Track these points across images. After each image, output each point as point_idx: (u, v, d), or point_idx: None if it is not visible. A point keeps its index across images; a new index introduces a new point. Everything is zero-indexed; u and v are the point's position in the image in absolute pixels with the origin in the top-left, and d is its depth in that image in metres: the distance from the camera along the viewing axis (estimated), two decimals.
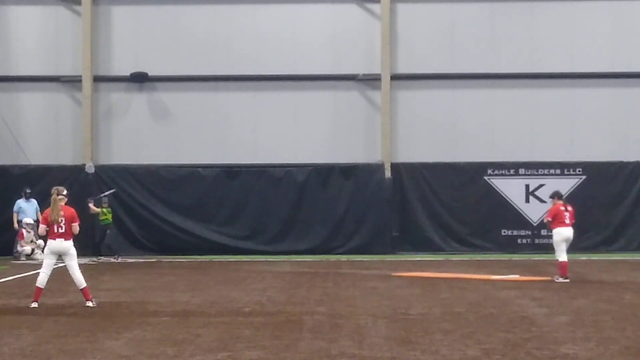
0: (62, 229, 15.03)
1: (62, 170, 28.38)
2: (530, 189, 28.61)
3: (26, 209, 27.11)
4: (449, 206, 28.66)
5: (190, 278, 20.96)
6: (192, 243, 28.34)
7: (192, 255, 27.63)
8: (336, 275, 21.51)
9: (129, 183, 28.70)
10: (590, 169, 28.61)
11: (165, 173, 28.77)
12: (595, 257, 27.08)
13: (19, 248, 26.90)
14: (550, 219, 20.21)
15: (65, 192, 15.58)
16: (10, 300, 16.31)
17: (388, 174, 28.45)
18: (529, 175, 28.67)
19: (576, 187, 28.56)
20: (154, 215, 28.53)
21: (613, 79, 28.88)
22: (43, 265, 15.27)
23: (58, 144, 29.05)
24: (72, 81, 29.04)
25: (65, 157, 28.92)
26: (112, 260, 26.64)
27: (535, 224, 28.46)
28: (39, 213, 25.54)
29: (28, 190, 27.17)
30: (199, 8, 29.20)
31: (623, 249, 28.28)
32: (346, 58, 28.90)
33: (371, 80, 28.85)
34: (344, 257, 27.26)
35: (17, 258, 26.80)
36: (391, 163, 28.55)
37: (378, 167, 28.52)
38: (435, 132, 28.88)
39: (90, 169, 28.33)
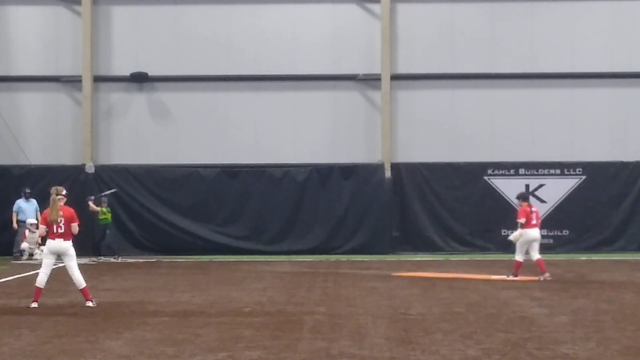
0: (61, 229, 15.03)
1: (62, 170, 28.39)
2: (530, 189, 28.61)
3: (26, 209, 27.11)
4: (449, 206, 28.66)
5: (190, 278, 20.96)
6: (192, 243, 28.35)
7: (192, 255, 27.63)
8: (336, 275, 21.51)
9: (129, 183, 28.70)
10: (590, 169, 28.61)
11: (165, 173, 28.77)
12: (595, 257, 27.10)
13: (22, 246, 26.89)
14: (523, 219, 20.26)
15: (64, 192, 15.58)
16: (10, 300, 16.30)
17: (388, 174, 28.46)
18: (529, 175, 28.67)
19: (576, 187, 28.58)
20: (154, 215, 28.53)
21: (613, 79, 28.89)
22: (42, 265, 15.26)
23: (58, 144, 29.06)
24: (72, 81, 29.04)
25: (65, 157, 28.93)
26: (112, 260, 26.64)
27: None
28: (39, 213, 25.55)
29: (28, 191, 27.17)
30: (199, 8, 29.21)
31: (623, 249, 28.28)
32: (346, 58, 28.91)
33: (371, 80, 28.85)
34: (344, 257, 27.26)
35: (17, 258, 26.80)
36: (391, 163, 28.55)
37: (378, 167, 28.52)
38: (435, 132, 28.89)
39: (90, 169, 28.33)
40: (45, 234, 15.23)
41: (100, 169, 28.59)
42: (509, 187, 28.50)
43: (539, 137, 28.86)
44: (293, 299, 16.18)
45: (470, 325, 12.73)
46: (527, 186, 28.57)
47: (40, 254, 26.81)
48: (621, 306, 15.04)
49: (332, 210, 28.50)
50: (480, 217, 28.46)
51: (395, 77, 28.74)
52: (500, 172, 28.67)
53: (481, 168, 28.66)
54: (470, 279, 20.18)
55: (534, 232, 20.22)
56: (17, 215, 27.14)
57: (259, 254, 27.82)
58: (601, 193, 28.53)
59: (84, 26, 28.73)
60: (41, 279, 15.13)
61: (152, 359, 10.39)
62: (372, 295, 16.83)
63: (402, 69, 28.88)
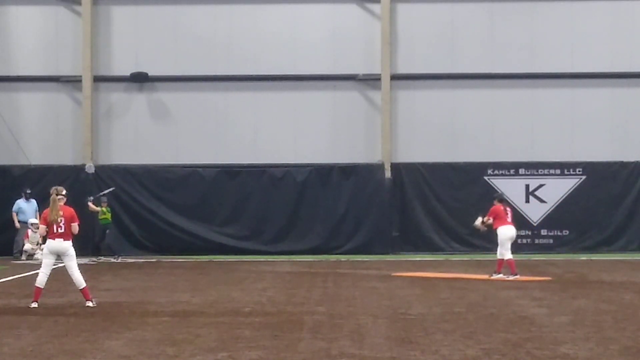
0: (61, 229, 15.02)
1: (62, 170, 28.38)
2: (530, 189, 28.62)
3: (26, 210, 27.10)
4: (449, 206, 28.65)
5: (190, 278, 20.96)
6: (192, 243, 28.34)
7: (192, 255, 27.62)
8: (336, 275, 21.51)
9: (129, 183, 28.70)
10: (590, 169, 28.61)
11: (165, 173, 28.77)
12: (595, 257, 27.10)
13: (26, 247, 26.89)
14: (490, 218, 20.62)
15: (64, 192, 15.58)
16: (10, 300, 16.30)
17: (388, 174, 28.45)
18: (529, 175, 28.67)
19: (576, 187, 28.58)
20: (154, 215, 28.53)
21: (613, 79, 28.88)
22: (42, 265, 15.26)
23: (58, 144, 29.05)
24: (72, 81, 29.04)
25: (65, 157, 28.92)
26: (112, 260, 26.63)
27: (535, 224, 28.48)
28: (38, 213, 25.55)
29: (28, 191, 27.15)
30: (199, 8, 29.20)
31: (623, 249, 28.28)
32: (346, 58, 28.90)
33: (371, 80, 28.85)
34: (344, 257, 27.26)
35: (17, 258, 26.81)
36: (391, 163, 28.55)
37: (378, 167, 28.51)
38: (435, 132, 28.88)
39: (90, 169, 28.32)
40: (45, 233, 15.23)
41: (100, 169, 28.59)
42: (509, 187, 28.48)
43: (539, 137, 28.86)
44: (293, 299, 16.18)
45: (470, 325, 12.73)
46: (527, 186, 28.59)
47: (40, 254, 26.87)
48: (621, 306, 15.04)
49: (332, 210, 28.49)
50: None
51: (395, 77, 28.73)
52: (500, 172, 28.66)
53: (481, 168, 28.65)
54: (470, 279, 20.19)
55: (511, 230, 20.62)
56: (17, 215, 27.14)
57: (259, 254, 27.81)
58: (601, 193, 28.52)
59: (84, 26, 28.72)
60: (41, 279, 15.14)
61: (152, 359, 10.39)
62: (372, 295, 16.83)
63: (402, 69, 28.88)
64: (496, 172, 28.67)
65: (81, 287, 15.23)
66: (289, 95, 29.09)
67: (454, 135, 28.89)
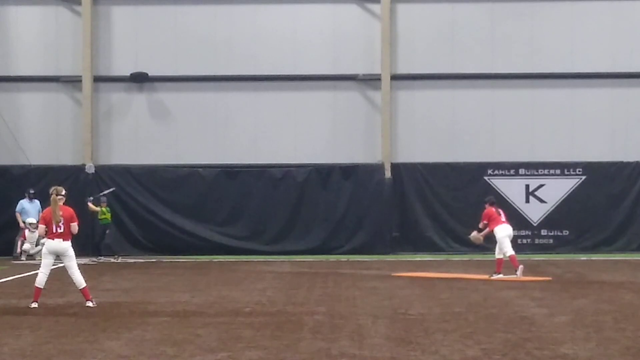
0: (60, 229, 15.02)
1: (62, 170, 28.39)
2: (530, 189, 28.62)
3: (29, 210, 27.04)
4: (449, 206, 28.66)
5: (190, 278, 20.96)
6: (192, 243, 28.34)
7: (192, 255, 27.63)
8: (336, 275, 21.51)
9: (129, 183, 28.70)
10: (590, 169, 28.61)
11: (165, 173, 28.77)
12: (595, 257, 27.10)
13: (25, 247, 26.90)
14: (485, 222, 20.77)
15: (63, 192, 15.58)
16: (10, 300, 16.30)
17: (388, 174, 28.45)
18: (529, 175, 28.67)
19: (576, 187, 28.58)
20: (154, 215, 28.53)
21: (613, 79, 28.88)
22: (41, 265, 15.26)
23: (58, 144, 29.05)
24: (72, 81, 29.04)
25: (65, 157, 28.92)
26: (112, 260, 26.64)
27: (535, 224, 28.48)
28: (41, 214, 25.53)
29: (32, 191, 27.09)
30: (199, 8, 29.20)
31: (623, 249, 28.28)
32: (346, 58, 28.91)
33: (371, 80, 28.85)
34: (344, 257, 27.26)
35: (17, 258, 26.82)
36: (391, 163, 28.55)
37: (378, 167, 28.52)
38: (435, 132, 28.89)
39: (90, 169, 28.32)
40: (44, 233, 15.22)
41: (100, 169, 28.59)
42: (509, 187, 28.51)
43: (539, 137, 28.86)
44: (293, 299, 16.18)
45: (470, 325, 12.73)
46: (527, 186, 28.59)
47: (40, 252, 26.89)
48: (621, 306, 15.04)
49: (332, 210, 28.49)
50: (480, 217, 28.36)
51: (395, 77, 28.73)
52: (500, 172, 28.66)
53: (481, 168, 28.65)
54: (470, 279, 20.18)
55: (508, 228, 20.64)
56: (21, 215, 27.08)
57: (259, 254, 27.82)
58: (601, 193, 28.53)
59: (84, 26, 28.72)
60: (40, 279, 15.14)
61: (152, 359, 10.39)
62: (372, 295, 16.83)
63: (402, 69, 28.88)
64: (496, 172, 28.67)
65: (81, 287, 15.24)
66: (289, 95, 29.09)
67: (454, 135, 28.89)
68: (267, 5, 29.14)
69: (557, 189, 28.60)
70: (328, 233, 28.45)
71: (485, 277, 20.46)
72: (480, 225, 21.02)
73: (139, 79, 28.94)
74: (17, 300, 16.32)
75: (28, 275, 21.39)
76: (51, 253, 15.17)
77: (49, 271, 15.24)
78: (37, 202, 26.97)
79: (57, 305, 15.41)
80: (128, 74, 28.93)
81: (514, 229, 28.67)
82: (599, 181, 28.53)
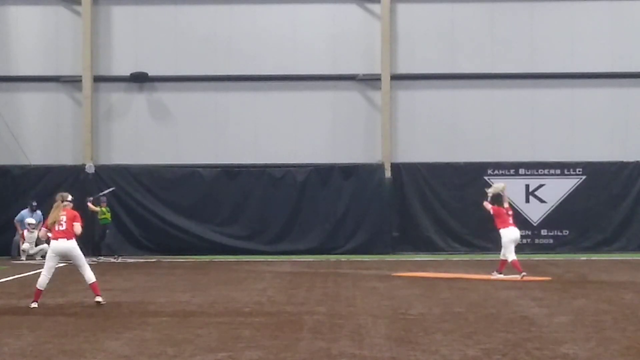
0: (62, 227, 14.93)
1: (62, 170, 28.41)
2: (530, 189, 28.62)
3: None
4: (449, 206, 28.66)
5: (190, 278, 20.96)
6: (192, 243, 28.35)
7: (192, 255, 27.63)
8: (336, 275, 21.51)
9: (129, 183, 28.70)
10: (590, 169, 28.62)
11: (165, 173, 28.77)
12: (595, 257, 27.10)
13: (24, 247, 26.92)
14: (492, 212, 20.52)
15: (69, 197, 15.49)
16: (10, 300, 16.30)
17: (388, 174, 28.46)
18: (529, 175, 28.68)
19: (576, 187, 28.58)
20: (154, 215, 28.54)
21: (613, 79, 28.90)
22: (44, 267, 15.18)
23: (58, 144, 29.05)
24: (72, 81, 29.05)
25: (65, 157, 28.93)
26: (112, 260, 26.64)
27: (535, 224, 28.48)
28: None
29: (34, 203, 27.04)
30: (199, 8, 29.21)
31: (623, 249, 28.29)
32: (346, 58, 28.91)
33: (371, 80, 28.86)
34: (344, 257, 27.26)
35: (17, 258, 26.83)
36: (391, 163, 28.56)
37: (378, 167, 28.52)
38: (435, 132, 28.89)
39: (90, 169, 28.32)
40: (47, 237, 15.12)
41: (100, 169, 28.59)
42: (509, 187, 28.37)
43: (539, 137, 28.86)
44: (293, 299, 16.17)
45: (470, 325, 12.73)
46: (527, 186, 28.60)
47: (40, 252, 26.94)
48: (621, 306, 15.03)
49: (332, 210, 28.50)
50: (480, 217, 28.35)
51: (395, 77, 28.74)
52: (500, 172, 28.66)
53: (481, 168, 28.66)
54: (470, 279, 20.18)
55: (515, 232, 20.52)
56: (20, 225, 27.05)
57: (259, 254, 27.82)
58: (601, 193, 28.53)
59: (84, 26, 28.73)
60: (42, 281, 15.09)
61: (152, 359, 10.38)
62: (372, 295, 16.83)
63: (402, 69, 28.89)
64: (496, 172, 28.66)
65: (91, 282, 15.13)
66: (289, 95, 29.10)
67: (454, 135, 28.90)
68: (267, 5, 29.15)
69: (557, 189, 28.61)
70: (328, 233, 28.45)
71: (486, 277, 20.45)
72: (487, 207, 20.65)
73: (139, 79, 28.95)
74: (17, 300, 16.32)
75: (28, 275, 21.39)
76: (56, 255, 15.05)
77: (51, 273, 15.16)
78: (39, 213, 26.82)
79: (57, 305, 15.40)
80: (128, 74, 28.94)
81: None
82: (599, 181, 28.54)
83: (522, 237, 28.16)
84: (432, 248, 28.37)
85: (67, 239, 14.93)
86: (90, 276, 15.12)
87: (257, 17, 29.11)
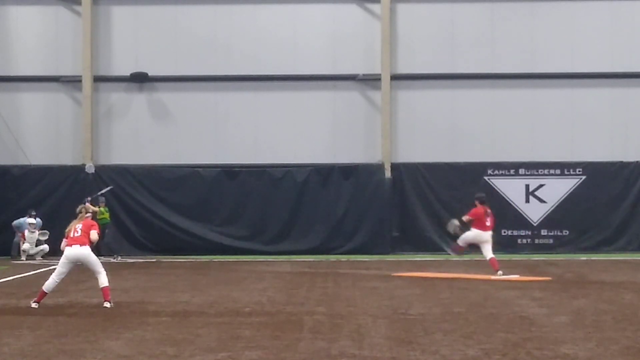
0: (77, 233, 14.80)
1: (62, 170, 28.42)
2: (530, 189, 28.62)
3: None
4: (449, 206, 28.60)
5: (190, 278, 20.96)
6: (192, 243, 28.35)
7: (192, 255, 27.63)
8: (336, 275, 21.51)
9: (129, 183, 28.71)
10: (590, 169, 28.62)
11: (165, 173, 28.78)
12: (595, 257, 27.10)
13: (24, 247, 26.93)
14: (470, 218, 20.64)
15: (91, 209, 15.30)
16: (10, 300, 16.29)
17: (388, 174, 28.46)
18: (529, 175, 28.68)
19: (576, 187, 28.59)
20: (154, 215, 28.54)
21: (613, 79, 28.91)
22: (55, 272, 14.88)
23: (58, 144, 29.06)
24: (72, 81, 29.05)
25: (65, 157, 28.93)
26: (112, 260, 26.63)
27: (535, 224, 28.49)
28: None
29: (33, 212, 27.05)
30: (199, 8, 29.21)
31: (623, 249, 28.29)
32: (346, 58, 28.91)
33: (371, 80, 28.86)
34: (344, 257, 27.26)
35: (17, 258, 26.84)
36: (391, 163, 28.56)
37: (378, 167, 28.52)
38: (435, 132, 28.89)
39: (90, 169, 28.32)
40: (64, 247, 14.95)
41: (100, 169, 28.59)
42: (509, 187, 28.52)
43: (539, 137, 28.87)
44: (293, 299, 16.17)
45: (470, 325, 12.73)
46: (527, 186, 28.60)
47: (40, 253, 26.96)
48: (621, 306, 15.03)
49: (332, 210, 28.50)
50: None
51: (395, 77, 28.75)
52: (500, 172, 28.67)
53: (481, 168, 28.66)
54: (470, 279, 20.18)
55: (485, 235, 20.60)
56: (18, 230, 27.06)
57: (259, 254, 27.83)
58: (601, 193, 28.54)
59: (84, 26, 28.73)
60: (49, 284, 14.89)
61: (152, 359, 10.38)
62: (372, 295, 16.83)
63: (402, 69, 28.89)
64: (496, 172, 28.67)
65: (102, 286, 15.01)
66: (289, 95, 29.10)
67: (454, 135, 28.90)
68: (267, 5, 29.15)
69: (557, 189, 28.61)
70: (328, 233, 28.46)
71: (486, 277, 20.45)
72: (464, 219, 20.94)
73: (139, 79, 28.95)
74: (17, 300, 16.31)
75: (28, 275, 21.39)
76: (70, 261, 14.89)
77: (60, 279, 15.00)
78: (38, 220, 26.89)
79: (57, 305, 15.40)
80: (128, 74, 28.94)
81: (513, 229, 28.93)
82: (599, 181, 28.54)
83: (522, 237, 28.49)
84: (432, 248, 28.36)
85: (81, 245, 14.78)
86: (103, 280, 14.94)
87: (257, 17, 29.11)
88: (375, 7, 28.92)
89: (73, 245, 14.79)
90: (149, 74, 28.93)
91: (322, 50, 29.05)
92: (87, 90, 28.70)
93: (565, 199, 28.65)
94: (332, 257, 27.24)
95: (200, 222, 28.56)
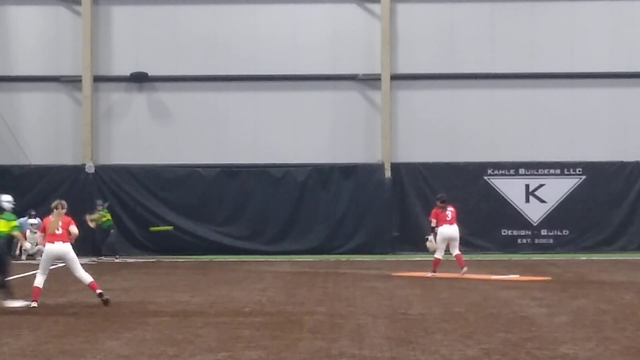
0: (59, 231, 14.98)
1: (62, 170, 28.43)
2: (530, 189, 28.62)
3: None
4: None
5: (190, 278, 20.96)
6: (192, 243, 28.35)
7: (192, 255, 27.63)
8: (336, 275, 21.51)
9: (129, 183, 28.71)
10: (590, 169, 28.62)
11: (165, 173, 28.78)
12: (595, 257, 27.10)
13: (26, 246, 26.90)
14: (432, 220, 20.98)
15: (65, 206, 15.54)
16: None
17: (388, 174, 28.46)
18: (529, 175, 28.68)
19: (576, 187, 28.58)
20: (154, 215, 28.53)
21: (613, 79, 28.90)
22: (40, 268, 15.19)
23: (58, 144, 29.07)
24: (72, 81, 29.05)
25: (65, 157, 28.94)
26: (116, 260, 26.66)
27: (535, 224, 28.48)
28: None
29: (33, 212, 27.05)
30: (199, 8, 29.21)
31: (623, 249, 28.29)
32: (346, 58, 28.91)
33: (371, 80, 28.86)
34: (344, 257, 27.26)
35: (17, 258, 26.83)
36: (391, 163, 28.56)
37: (378, 167, 28.52)
38: (435, 132, 28.89)
39: (90, 169, 28.33)
40: (44, 242, 15.20)
41: (100, 169, 28.59)
42: (509, 187, 28.52)
43: (539, 137, 28.86)
44: (293, 299, 16.17)
45: (470, 325, 12.73)
46: (527, 186, 28.60)
47: (39, 252, 26.91)
48: (621, 306, 15.03)
49: (332, 210, 28.50)
50: (480, 217, 28.43)
51: (395, 77, 28.74)
52: (500, 172, 28.67)
53: (481, 168, 28.66)
54: (470, 279, 20.18)
55: (448, 230, 20.64)
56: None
57: (259, 254, 27.82)
58: (601, 193, 28.53)
59: (84, 26, 28.73)
60: (39, 280, 15.09)
61: (152, 359, 10.39)
62: (372, 295, 16.83)
63: (402, 69, 28.89)
64: (496, 172, 28.67)
65: (88, 283, 15.14)
66: (289, 95, 29.10)
67: (454, 135, 28.89)
68: (267, 5, 29.15)
69: (557, 189, 28.61)
70: (328, 233, 28.46)
71: (486, 277, 20.45)
72: (432, 224, 21.07)
73: (139, 79, 28.95)
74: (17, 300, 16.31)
75: (28, 275, 21.38)
76: (50, 258, 15.09)
77: (47, 272, 15.19)
78: (38, 220, 26.86)
79: (57, 305, 15.40)
80: (128, 74, 28.94)
81: (513, 229, 28.87)
82: (599, 181, 28.54)
83: (522, 237, 28.48)
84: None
85: (63, 242, 14.99)
86: (85, 277, 15.13)
87: (257, 17, 29.11)
88: (375, 7, 28.92)
89: (55, 242, 14.98)
90: (149, 74, 28.93)
91: (322, 50, 29.05)
92: (87, 90, 28.70)
93: (565, 198, 28.65)
94: (332, 257, 27.24)
95: (201, 222, 28.57)
